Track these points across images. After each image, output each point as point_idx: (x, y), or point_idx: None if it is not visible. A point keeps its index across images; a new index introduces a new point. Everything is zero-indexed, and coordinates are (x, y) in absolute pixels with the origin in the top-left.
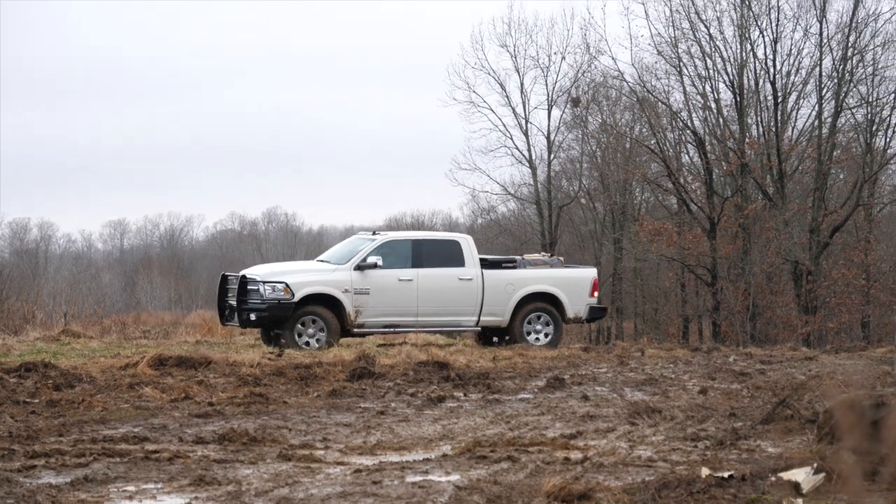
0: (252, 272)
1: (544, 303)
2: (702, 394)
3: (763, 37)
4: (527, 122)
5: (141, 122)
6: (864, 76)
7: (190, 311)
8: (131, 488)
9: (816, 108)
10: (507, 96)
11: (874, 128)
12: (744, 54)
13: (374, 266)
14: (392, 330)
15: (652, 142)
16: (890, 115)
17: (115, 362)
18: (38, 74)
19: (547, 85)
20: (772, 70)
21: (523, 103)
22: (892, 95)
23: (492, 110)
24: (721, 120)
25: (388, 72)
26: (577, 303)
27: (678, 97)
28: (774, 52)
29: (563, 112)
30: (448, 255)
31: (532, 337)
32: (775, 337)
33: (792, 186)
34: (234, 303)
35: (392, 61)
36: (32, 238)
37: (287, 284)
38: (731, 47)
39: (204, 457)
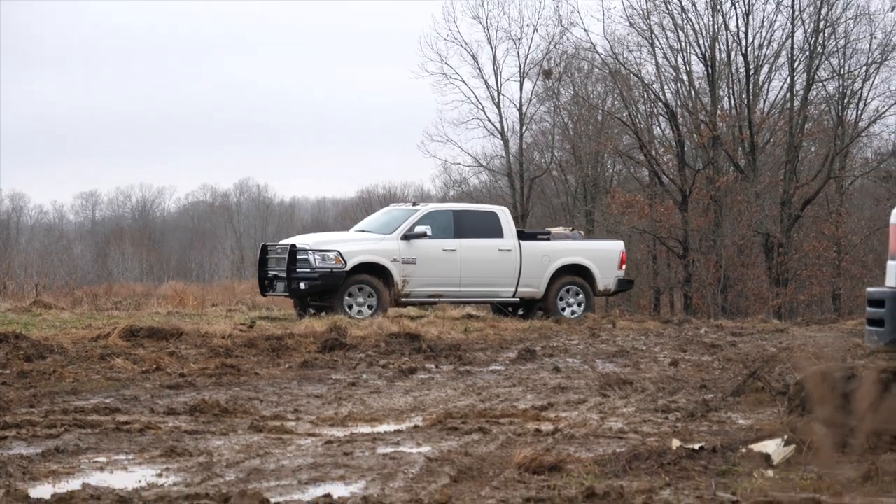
0: (302, 241)
1: (576, 275)
2: (673, 366)
3: (735, 9)
4: (499, 93)
5: (112, 93)
6: (835, 49)
7: (161, 283)
8: (102, 459)
9: (788, 80)
10: (479, 68)
11: (846, 100)
12: (716, 26)
13: (424, 235)
14: (435, 300)
15: (624, 114)
16: (861, 88)
17: (86, 333)
18: (7, 44)
19: (519, 57)
20: (744, 42)
21: (495, 75)
22: (864, 68)
23: (464, 82)
24: (693, 92)
25: (361, 44)
26: (606, 275)
27: (650, 69)
28: (746, 24)
29: (535, 84)
30: (487, 226)
31: (567, 311)
32: (746, 309)
33: (763, 159)
34: (275, 273)
35: (364, 33)
36: (4, 209)
37: (340, 253)
38: (702, 19)
39: (175, 428)
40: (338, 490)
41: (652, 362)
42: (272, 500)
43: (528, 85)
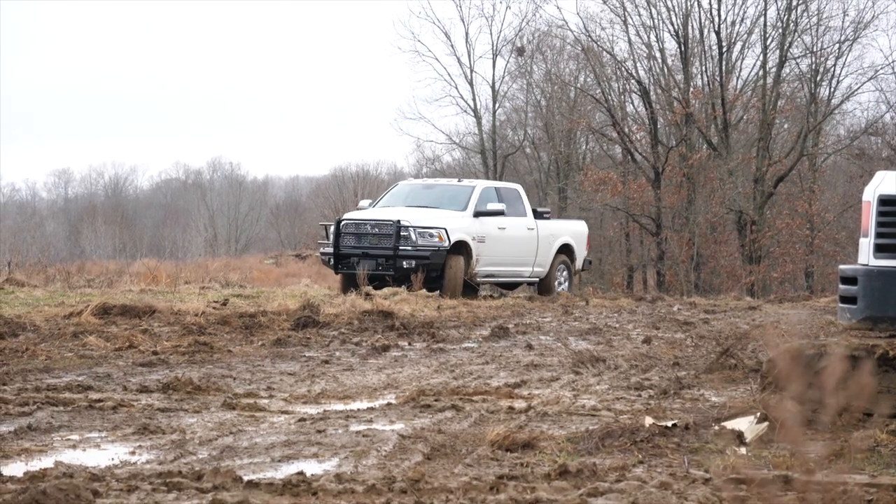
0: (406, 218)
1: (563, 254)
2: (646, 343)
3: None
4: (472, 71)
5: (85, 70)
6: (808, 26)
7: (134, 260)
8: (75, 437)
9: (761, 57)
10: (451, 46)
11: (818, 78)
12: (688, 4)
13: (501, 213)
14: (489, 280)
15: (597, 91)
16: (834, 65)
17: (59, 311)
18: None
19: (492, 34)
20: (716, 19)
21: (468, 53)
22: (837, 45)
23: (437, 59)
24: (666, 69)
25: (333, 21)
26: (581, 254)
27: (623, 46)
28: (719, 1)
29: (508, 61)
30: (515, 203)
31: (558, 288)
32: (719, 286)
33: (736, 136)
34: (363, 250)
35: (337, 10)
36: None
37: (445, 230)
38: None
39: (148, 405)
40: (311, 467)
41: (625, 339)
42: (245, 478)
43: (500, 62)
